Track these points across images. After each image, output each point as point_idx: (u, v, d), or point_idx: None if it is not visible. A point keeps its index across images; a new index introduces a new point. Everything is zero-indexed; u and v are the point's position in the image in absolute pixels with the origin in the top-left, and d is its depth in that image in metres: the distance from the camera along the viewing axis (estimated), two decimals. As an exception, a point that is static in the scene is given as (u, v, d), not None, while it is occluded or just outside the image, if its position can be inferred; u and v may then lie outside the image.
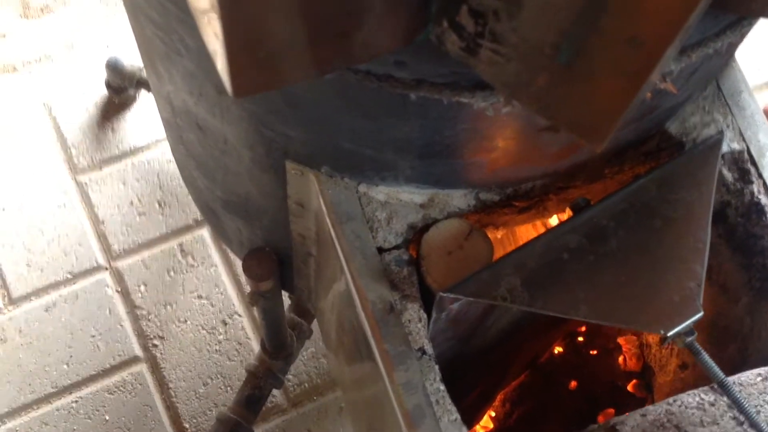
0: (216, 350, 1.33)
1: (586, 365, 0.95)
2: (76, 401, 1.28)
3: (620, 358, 0.95)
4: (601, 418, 0.92)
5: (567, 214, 0.70)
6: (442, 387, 0.62)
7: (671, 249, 0.61)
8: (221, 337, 1.34)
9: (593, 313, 0.59)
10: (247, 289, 1.36)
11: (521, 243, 0.66)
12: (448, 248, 0.65)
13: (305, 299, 0.98)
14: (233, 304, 1.36)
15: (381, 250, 0.65)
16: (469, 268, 0.64)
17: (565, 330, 0.94)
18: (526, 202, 0.69)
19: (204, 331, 1.34)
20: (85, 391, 1.29)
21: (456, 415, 0.61)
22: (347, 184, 0.67)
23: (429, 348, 0.63)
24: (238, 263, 1.38)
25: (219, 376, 1.31)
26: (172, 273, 1.37)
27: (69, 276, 1.35)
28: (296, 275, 0.90)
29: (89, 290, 1.35)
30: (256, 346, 1.33)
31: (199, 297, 1.36)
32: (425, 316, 0.64)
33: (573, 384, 0.95)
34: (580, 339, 0.96)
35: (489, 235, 0.67)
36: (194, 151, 0.85)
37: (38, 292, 1.34)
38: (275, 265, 0.88)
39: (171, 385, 1.30)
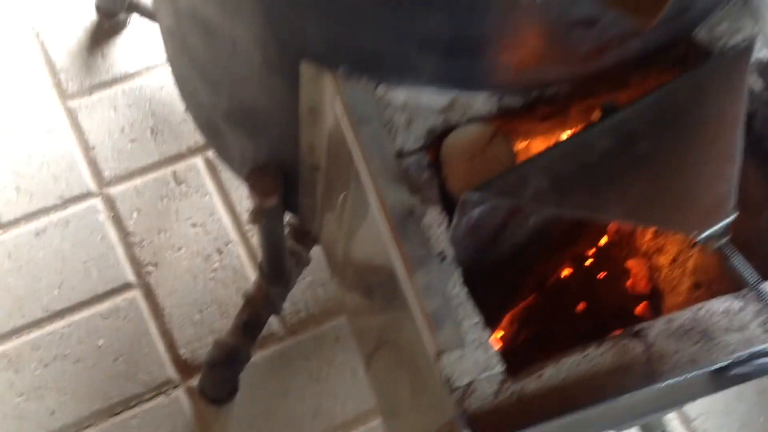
0: (211, 278, 1.31)
1: (593, 288, 0.94)
2: (68, 326, 1.26)
3: (629, 282, 0.94)
4: (608, 341, 0.91)
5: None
6: (464, 291, 0.60)
7: (703, 152, 0.60)
8: (216, 264, 1.31)
9: (623, 214, 0.57)
10: (243, 217, 1.34)
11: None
12: (470, 153, 0.63)
13: (308, 220, 0.96)
14: (228, 233, 1.33)
15: (400, 154, 0.63)
16: (491, 173, 0.62)
17: (574, 252, 0.93)
18: (550, 108, 0.67)
19: (199, 259, 1.31)
20: (77, 317, 1.26)
21: (477, 319, 0.60)
22: (365, 86, 0.64)
23: (450, 252, 0.61)
24: (234, 192, 1.36)
25: (214, 303, 1.29)
26: (165, 200, 1.34)
27: (59, 201, 1.32)
28: (301, 192, 0.88)
29: (80, 216, 1.32)
30: (251, 275, 1.31)
31: (194, 225, 1.33)
32: (446, 220, 0.62)
33: (581, 306, 0.94)
34: (589, 262, 0.95)
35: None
36: (199, 60, 0.82)
37: (28, 217, 1.31)
38: (281, 181, 0.86)
39: (165, 311, 1.28)
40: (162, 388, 1.24)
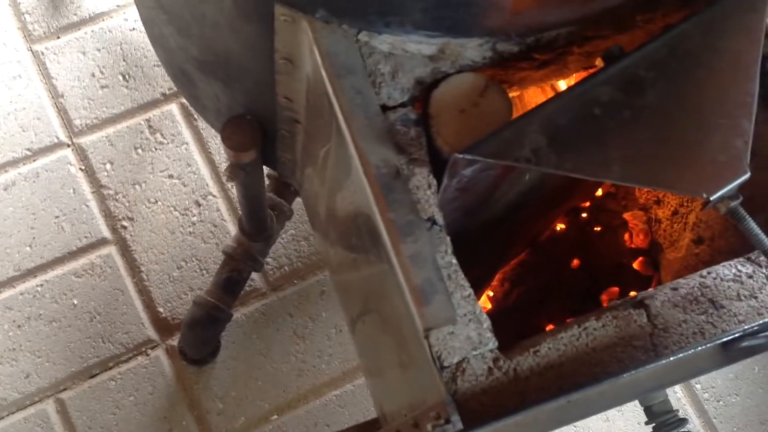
0: (190, 232, 1.25)
1: (589, 243, 0.90)
2: (41, 285, 1.21)
3: (626, 235, 0.89)
4: (604, 297, 0.87)
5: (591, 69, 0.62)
6: (454, 260, 0.55)
7: (716, 103, 0.54)
8: (195, 218, 1.26)
9: (628, 175, 0.52)
10: (222, 168, 1.28)
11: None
12: (461, 106, 0.57)
13: (288, 174, 0.90)
14: (207, 184, 1.27)
15: (385, 108, 0.57)
16: (484, 127, 0.56)
17: (568, 206, 0.88)
18: (548, 55, 0.61)
19: (176, 213, 1.26)
20: (50, 275, 1.21)
21: (469, 291, 0.55)
22: (346, 32, 0.58)
23: (439, 217, 0.56)
24: (212, 141, 1.29)
25: (193, 259, 1.24)
26: (139, 151, 1.28)
27: (28, 153, 1.26)
28: (280, 146, 0.82)
29: (51, 168, 1.25)
30: (232, 229, 1.26)
31: (170, 176, 1.27)
32: (435, 182, 0.57)
33: (575, 262, 0.89)
34: (584, 215, 0.90)
35: (505, 93, 0.59)
36: (166, 1, 0.75)
37: (-5, 171, 1.24)
38: (258, 134, 0.80)
39: (143, 268, 1.23)
40: (141, 348, 1.20)
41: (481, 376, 0.53)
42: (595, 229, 0.90)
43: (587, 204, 0.90)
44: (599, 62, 0.59)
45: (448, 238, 0.55)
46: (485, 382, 0.53)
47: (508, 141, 0.52)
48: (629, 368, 0.52)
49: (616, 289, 0.87)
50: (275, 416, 1.20)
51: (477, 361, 0.54)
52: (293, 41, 0.62)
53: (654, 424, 0.71)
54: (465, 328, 0.54)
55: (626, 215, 0.89)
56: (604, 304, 0.87)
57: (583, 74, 0.68)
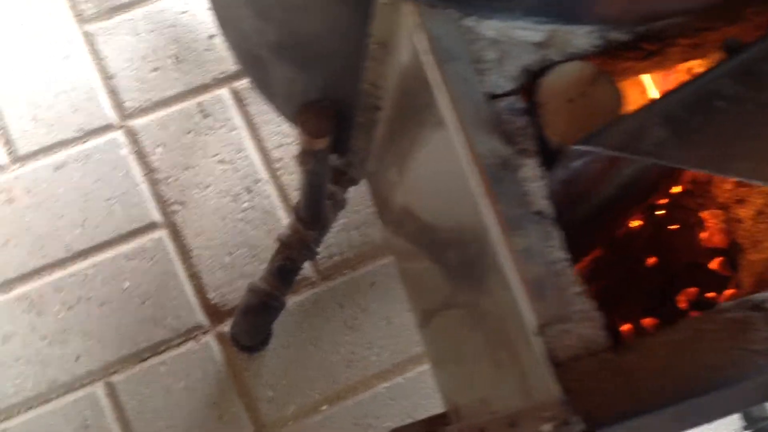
0: (240, 218, 1.24)
1: (664, 241, 0.87)
2: (92, 267, 1.20)
3: (703, 234, 0.87)
4: (681, 297, 0.85)
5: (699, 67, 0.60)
6: (564, 255, 0.53)
7: None
8: (246, 204, 1.24)
9: (755, 172, 0.50)
10: (273, 154, 1.27)
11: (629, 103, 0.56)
12: (570, 95, 0.55)
13: (357, 162, 0.88)
14: (257, 170, 1.26)
15: (491, 97, 0.55)
16: (593, 118, 0.54)
17: (651, 201, 0.86)
18: (656, 45, 0.59)
19: (227, 198, 1.24)
20: (101, 257, 1.20)
21: (581, 288, 0.53)
22: (451, 17, 0.56)
23: (549, 210, 0.54)
24: (263, 127, 1.28)
25: (244, 245, 1.23)
26: (191, 135, 1.26)
27: (79, 134, 1.24)
28: (355, 133, 0.80)
29: (101, 150, 1.24)
30: (282, 216, 1.24)
31: (221, 161, 1.26)
32: (543, 173, 0.54)
33: (651, 260, 0.87)
34: (660, 212, 0.88)
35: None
36: (246, -18, 0.73)
37: (46, 150, 1.23)
38: (334, 121, 0.78)
39: (194, 253, 1.21)
40: (191, 333, 1.19)
41: (593, 375, 0.51)
42: (672, 226, 0.88)
43: (664, 201, 0.88)
44: (719, 54, 0.57)
45: (557, 232, 0.53)
46: (597, 383, 0.51)
47: (629, 133, 0.50)
48: (750, 373, 0.50)
49: (694, 289, 0.85)
50: (325, 406, 1.18)
51: (589, 360, 0.52)
52: (391, 26, 0.60)
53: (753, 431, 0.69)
54: (578, 325, 0.52)
55: (703, 214, 0.87)
56: (681, 305, 0.85)
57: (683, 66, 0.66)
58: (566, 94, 0.55)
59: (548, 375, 0.51)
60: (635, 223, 0.89)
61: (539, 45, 0.56)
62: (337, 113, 0.78)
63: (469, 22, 0.56)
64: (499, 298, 0.56)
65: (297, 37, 0.71)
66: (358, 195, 1.24)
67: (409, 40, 0.58)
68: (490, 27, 0.56)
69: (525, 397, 0.57)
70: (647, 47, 0.58)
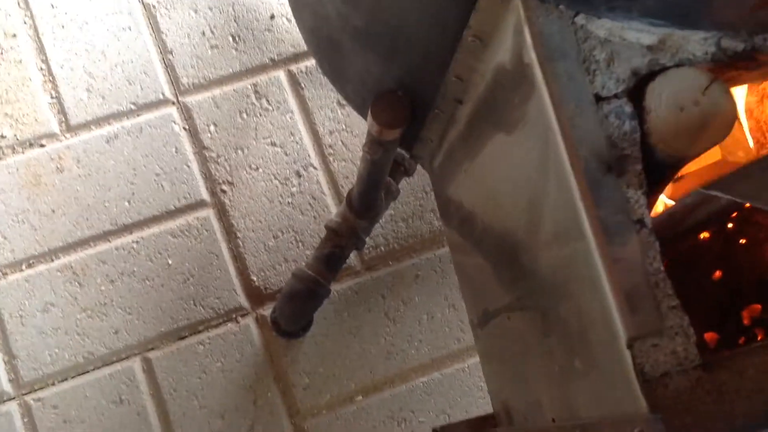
0: (288, 202, 1.23)
1: (732, 255, 0.86)
2: (137, 242, 1.19)
3: (772, 252, 0.85)
4: (745, 314, 0.83)
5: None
6: (662, 267, 0.52)
7: None
8: (294, 189, 1.23)
9: None
10: (325, 140, 1.25)
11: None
12: (681, 103, 0.53)
13: (425, 155, 0.87)
14: (309, 155, 1.25)
15: (598, 98, 0.54)
16: (704, 130, 0.53)
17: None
18: (766, 57, 0.57)
19: (276, 181, 1.23)
20: (147, 232, 1.19)
21: (676, 302, 0.51)
22: (562, 14, 0.54)
23: (649, 220, 0.52)
24: (317, 112, 1.26)
25: (290, 230, 1.22)
26: (244, 115, 1.25)
27: (133, 107, 1.23)
28: (429, 125, 0.79)
29: (154, 125, 1.23)
30: (330, 203, 1.23)
31: (273, 144, 1.25)
32: (646, 181, 0.53)
33: (717, 274, 0.85)
34: (730, 225, 0.86)
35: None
36: (335, -35, 0.71)
37: (99, 122, 1.22)
38: (409, 112, 0.77)
39: (239, 234, 1.21)
40: (231, 314, 1.18)
41: (684, 394, 0.50)
42: (740, 241, 0.86)
43: (734, 214, 0.86)
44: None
45: (657, 243, 0.52)
46: (689, 401, 0.50)
47: (759, 182, 0.48)
48: None
49: (758, 306, 0.83)
50: (360, 397, 1.18)
51: (680, 377, 0.50)
52: (494, 19, 0.58)
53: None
54: (671, 341, 0.50)
55: (774, 230, 0.85)
56: (745, 321, 0.84)
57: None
58: (678, 101, 0.53)
59: (635, 389, 0.49)
60: (704, 235, 0.87)
61: (651, 48, 0.55)
62: (412, 105, 0.76)
63: (581, 19, 0.54)
64: (584, 305, 0.55)
65: (385, 25, 0.70)
66: (407, 186, 1.23)
67: (514, 36, 0.56)
68: (602, 26, 0.54)
69: (602, 408, 0.55)
70: (761, 58, 0.56)
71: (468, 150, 0.75)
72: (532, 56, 0.54)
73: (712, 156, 0.72)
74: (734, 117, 0.53)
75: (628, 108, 0.54)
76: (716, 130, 0.52)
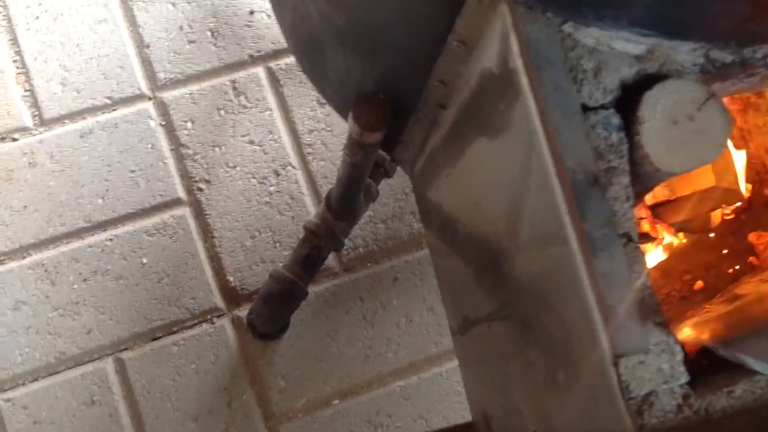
0: (266, 202, 1.21)
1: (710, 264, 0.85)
2: (111, 240, 1.16)
3: (751, 259, 0.85)
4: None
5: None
6: (649, 282, 0.51)
7: None
8: (272, 188, 1.21)
9: None
10: (304, 138, 1.23)
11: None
12: (675, 116, 0.52)
13: (405, 159, 0.85)
14: (287, 154, 1.23)
15: (585, 109, 0.53)
16: (698, 146, 0.52)
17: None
18: (757, 70, 0.56)
19: (254, 180, 1.21)
20: (121, 230, 1.17)
21: (661, 318, 0.50)
22: (549, 21, 0.53)
23: (635, 233, 0.51)
24: (296, 110, 1.25)
25: (268, 230, 1.20)
26: (222, 112, 1.23)
27: (108, 102, 1.21)
28: (410, 129, 0.77)
29: (130, 120, 1.21)
30: (309, 203, 1.22)
31: (251, 142, 1.23)
32: (633, 194, 0.52)
33: (698, 285, 0.85)
34: (752, 259, 0.85)
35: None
36: (317, -36, 0.70)
37: (73, 116, 1.20)
38: (390, 115, 0.75)
39: (216, 233, 1.18)
40: (207, 315, 1.16)
41: (669, 412, 0.49)
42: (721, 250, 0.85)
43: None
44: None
45: (644, 257, 0.51)
46: (674, 420, 0.49)
47: None
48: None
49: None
50: (337, 400, 1.16)
51: (666, 395, 0.49)
52: (480, 24, 0.57)
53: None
54: (657, 358, 0.49)
55: (751, 236, 0.85)
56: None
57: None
58: (672, 114, 0.52)
59: (619, 406, 0.48)
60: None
61: (638, 58, 0.54)
62: (394, 108, 0.75)
63: (569, 28, 0.53)
64: (568, 318, 0.54)
65: (368, 26, 0.68)
66: (387, 188, 1.21)
67: (500, 42, 0.55)
68: (590, 35, 0.53)
69: (584, 423, 0.54)
70: (748, 70, 0.56)
71: (451, 155, 0.73)
72: (518, 63, 0.53)
73: (706, 181, 0.71)
74: (729, 133, 0.52)
75: (615, 119, 0.52)
76: (708, 148, 0.51)
